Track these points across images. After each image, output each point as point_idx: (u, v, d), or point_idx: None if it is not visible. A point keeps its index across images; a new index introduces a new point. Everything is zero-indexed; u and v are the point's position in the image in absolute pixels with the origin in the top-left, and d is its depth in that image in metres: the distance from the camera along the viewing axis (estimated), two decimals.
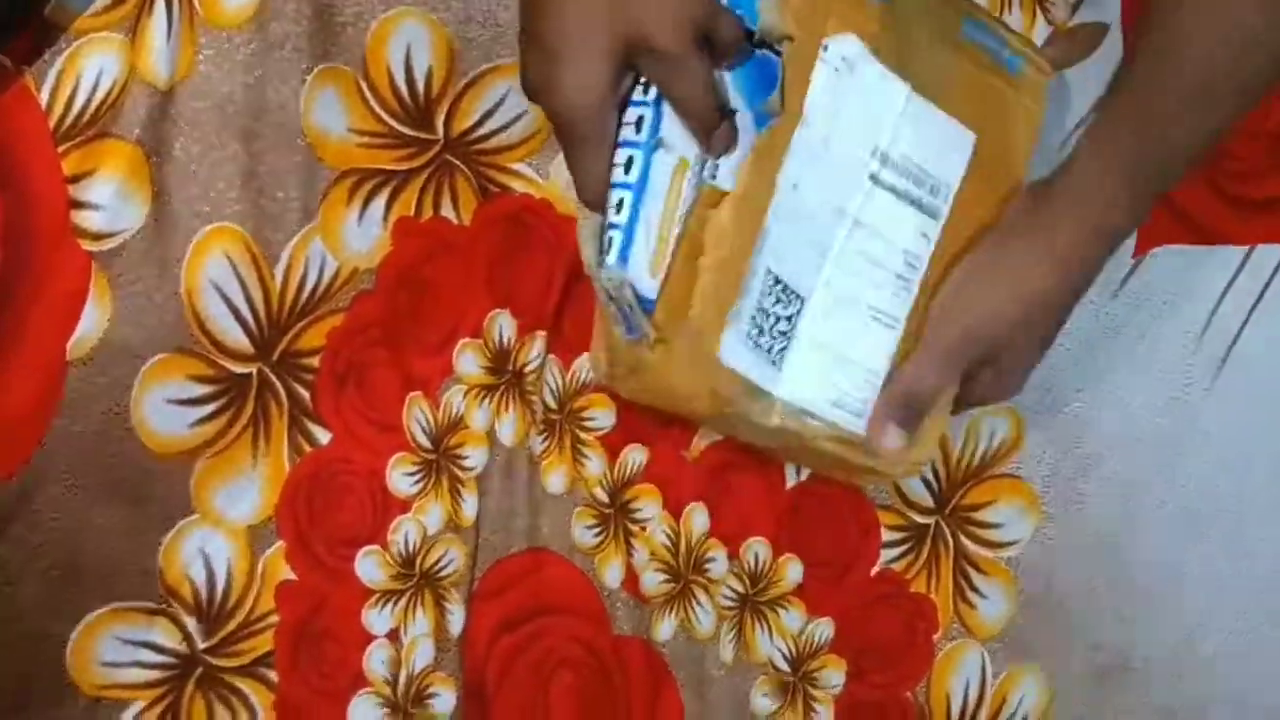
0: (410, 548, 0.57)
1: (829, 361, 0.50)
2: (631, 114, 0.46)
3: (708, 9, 0.45)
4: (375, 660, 0.57)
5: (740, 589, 0.61)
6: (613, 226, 0.46)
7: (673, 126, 0.46)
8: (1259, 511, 0.67)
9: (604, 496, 0.58)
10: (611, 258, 0.46)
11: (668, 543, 0.59)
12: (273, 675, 0.55)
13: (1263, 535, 0.67)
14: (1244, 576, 0.67)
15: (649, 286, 0.46)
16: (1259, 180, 0.64)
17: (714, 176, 0.47)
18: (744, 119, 0.47)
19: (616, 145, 0.46)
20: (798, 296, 0.49)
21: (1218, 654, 0.67)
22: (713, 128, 0.46)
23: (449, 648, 0.57)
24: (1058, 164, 0.52)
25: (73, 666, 0.52)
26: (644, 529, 0.59)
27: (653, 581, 0.59)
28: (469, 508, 0.57)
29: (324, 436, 0.55)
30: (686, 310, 0.47)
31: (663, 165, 0.46)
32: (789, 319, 0.49)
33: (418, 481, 0.57)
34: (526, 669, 0.58)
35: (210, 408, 0.53)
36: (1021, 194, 0.53)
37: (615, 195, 0.46)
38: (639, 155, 0.46)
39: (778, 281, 0.48)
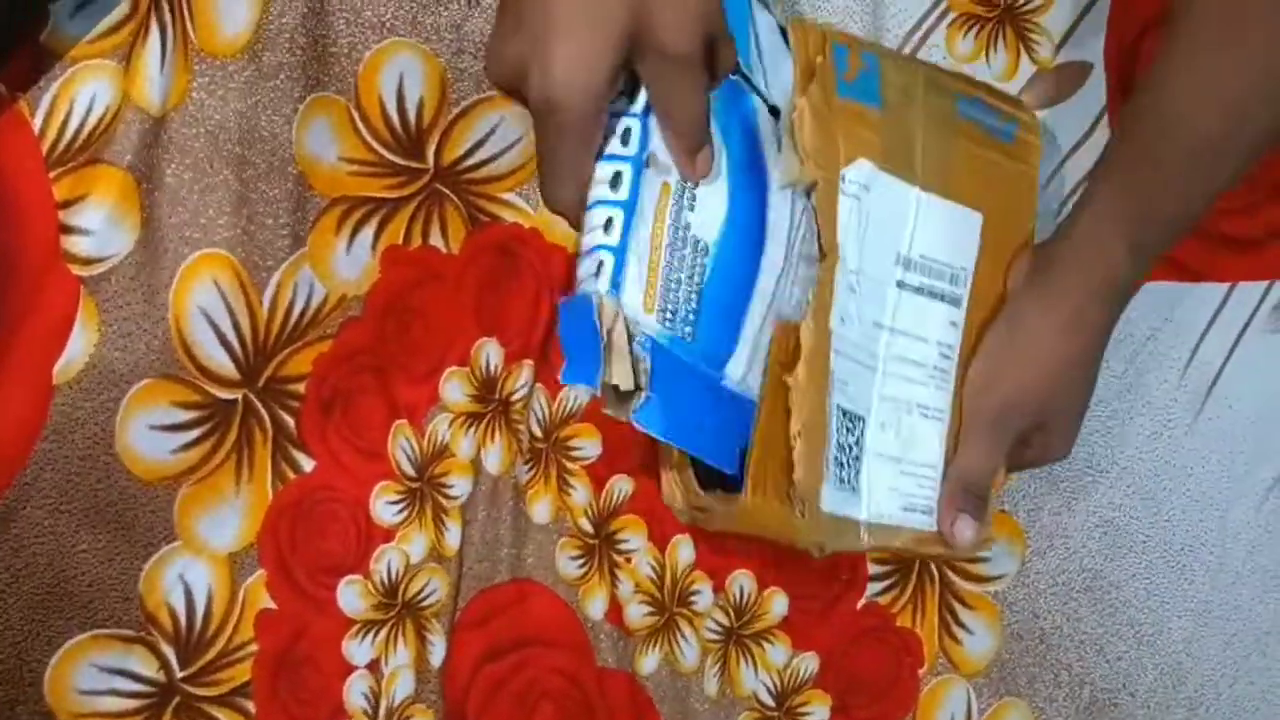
0: (393, 577, 0.56)
1: (893, 470, 0.50)
2: (618, 125, 0.43)
3: (719, 20, 0.42)
4: (355, 691, 0.56)
5: (725, 622, 0.60)
6: (601, 248, 0.43)
7: (661, 144, 0.43)
8: (1242, 546, 0.67)
9: (589, 527, 0.58)
10: (603, 283, 0.42)
11: (653, 575, 0.59)
12: (250, 705, 0.55)
13: (1246, 568, 0.67)
14: (1229, 608, 0.67)
15: (648, 324, 0.43)
16: (1241, 219, 0.65)
17: (692, 207, 0.45)
18: (717, 147, 0.45)
19: (600, 156, 0.43)
20: (860, 418, 0.49)
21: (1204, 686, 0.67)
22: (698, 149, 0.44)
23: (430, 679, 0.57)
24: (1056, 221, 0.52)
25: (50, 693, 0.52)
26: (629, 560, 0.59)
27: (637, 614, 0.59)
28: (452, 537, 0.57)
29: (308, 464, 0.55)
30: (783, 474, 0.46)
31: (651, 185, 0.43)
32: (857, 442, 0.49)
33: (401, 510, 0.56)
34: (509, 700, 0.57)
35: (194, 434, 0.53)
36: (1026, 259, 0.53)
37: (602, 213, 0.43)
38: (628, 170, 0.43)
39: (844, 413, 0.48)
